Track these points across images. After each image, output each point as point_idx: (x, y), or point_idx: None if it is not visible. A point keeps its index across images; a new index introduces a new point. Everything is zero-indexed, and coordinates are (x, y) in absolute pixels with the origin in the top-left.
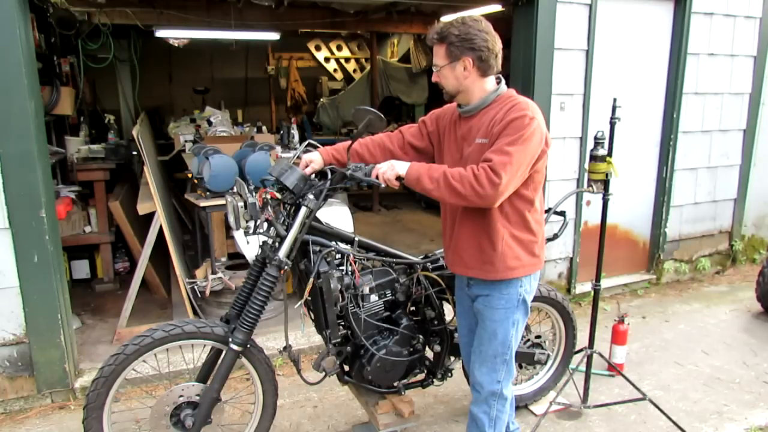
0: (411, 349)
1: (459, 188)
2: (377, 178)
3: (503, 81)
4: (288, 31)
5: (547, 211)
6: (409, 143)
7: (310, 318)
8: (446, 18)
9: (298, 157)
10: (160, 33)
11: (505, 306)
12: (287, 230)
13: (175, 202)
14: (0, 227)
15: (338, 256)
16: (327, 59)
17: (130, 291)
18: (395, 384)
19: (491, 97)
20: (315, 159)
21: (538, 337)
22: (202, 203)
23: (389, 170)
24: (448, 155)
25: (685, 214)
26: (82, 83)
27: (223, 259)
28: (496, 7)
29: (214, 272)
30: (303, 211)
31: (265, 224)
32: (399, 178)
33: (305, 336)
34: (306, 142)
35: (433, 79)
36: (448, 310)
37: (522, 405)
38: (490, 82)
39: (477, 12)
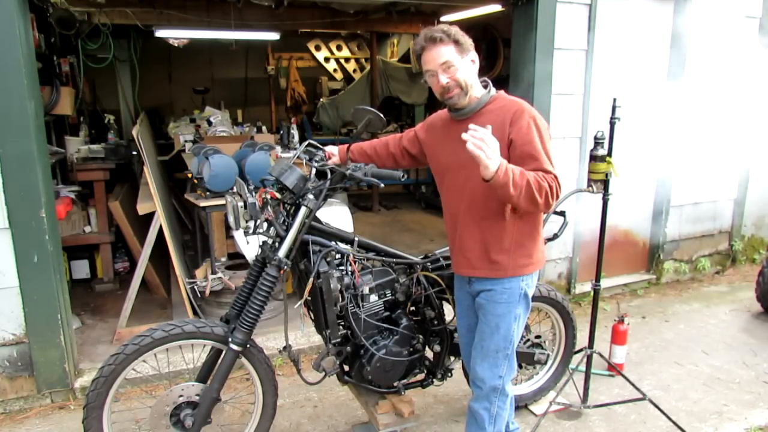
0: (411, 349)
1: (537, 198)
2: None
3: (489, 83)
4: (288, 31)
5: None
6: (405, 148)
7: (310, 318)
8: (446, 18)
9: (298, 158)
10: (160, 33)
11: (508, 300)
12: (287, 230)
13: (175, 202)
14: (0, 227)
15: (338, 256)
16: (327, 59)
17: (130, 291)
18: (395, 384)
19: (485, 98)
20: (334, 153)
21: (538, 337)
22: (202, 203)
23: (486, 153)
24: (443, 159)
25: (685, 214)
26: (82, 83)
27: (223, 259)
28: (496, 7)
29: (214, 272)
30: (303, 210)
31: (265, 224)
32: (486, 179)
33: (305, 336)
34: (306, 142)
35: (444, 80)
36: (448, 310)
37: (522, 405)
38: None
39: (477, 12)
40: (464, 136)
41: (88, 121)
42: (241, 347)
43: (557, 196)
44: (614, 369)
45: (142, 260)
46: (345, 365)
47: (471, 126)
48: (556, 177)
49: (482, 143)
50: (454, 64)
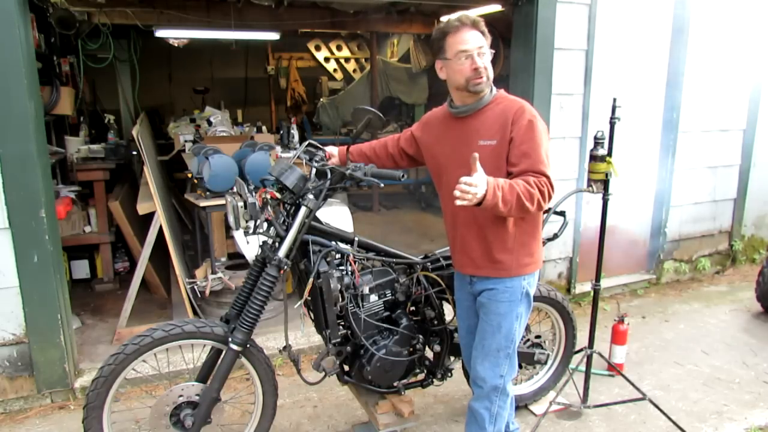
0: (411, 349)
1: (529, 207)
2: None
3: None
4: (288, 31)
5: (546, 211)
6: (402, 149)
7: (310, 318)
8: (446, 18)
9: (298, 157)
10: (160, 33)
11: (510, 299)
12: (287, 230)
13: (175, 202)
14: (0, 227)
15: (338, 256)
16: (327, 59)
17: (130, 291)
18: (395, 384)
19: (488, 98)
20: (334, 154)
21: (538, 337)
22: (202, 203)
23: (471, 198)
24: (441, 157)
25: (685, 214)
26: (82, 83)
27: (223, 259)
28: (496, 7)
29: (214, 272)
30: (303, 210)
31: (265, 224)
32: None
33: (305, 336)
34: (306, 142)
35: (480, 62)
36: (448, 310)
37: (522, 405)
38: None
39: (477, 12)
40: (455, 192)
41: (88, 121)
42: (241, 347)
43: (549, 198)
44: (614, 369)
45: (142, 260)
46: (345, 365)
47: (461, 179)
48: (548, 179)
49: (467, 194)
50: (486, 52)
